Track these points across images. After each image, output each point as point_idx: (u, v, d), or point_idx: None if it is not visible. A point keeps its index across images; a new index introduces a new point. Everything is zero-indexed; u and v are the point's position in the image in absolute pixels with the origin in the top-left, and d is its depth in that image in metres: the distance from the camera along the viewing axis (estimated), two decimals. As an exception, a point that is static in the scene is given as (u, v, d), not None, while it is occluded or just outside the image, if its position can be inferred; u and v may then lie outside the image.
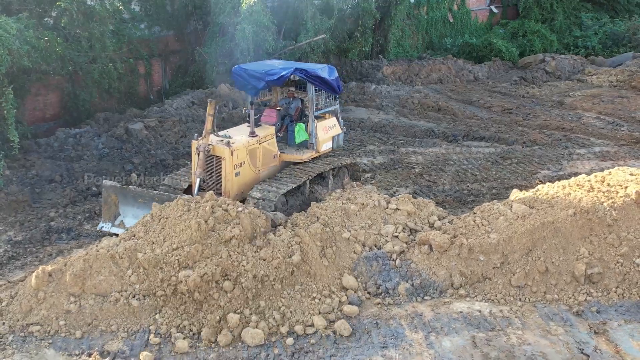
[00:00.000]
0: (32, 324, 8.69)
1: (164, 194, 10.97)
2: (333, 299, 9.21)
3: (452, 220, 10.82)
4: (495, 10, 37.08)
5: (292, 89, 13.13)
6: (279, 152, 12.31)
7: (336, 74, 12.92)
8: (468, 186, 14.46)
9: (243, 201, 11.13)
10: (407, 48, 30.61)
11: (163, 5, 20.99)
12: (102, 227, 11.48)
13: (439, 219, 10.92)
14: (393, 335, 8.49)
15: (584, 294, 9.19)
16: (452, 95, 23.95)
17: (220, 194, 11.15)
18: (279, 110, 12.90)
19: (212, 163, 11.24)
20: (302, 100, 13.08)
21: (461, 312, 8.96)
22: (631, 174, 10.64)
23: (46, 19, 16.19)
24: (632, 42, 31.97)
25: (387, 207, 10.96)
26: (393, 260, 9.97)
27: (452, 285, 9.59)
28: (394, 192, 13.62)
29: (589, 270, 9.31)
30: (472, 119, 20.58)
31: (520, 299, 9.23)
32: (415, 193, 13.68)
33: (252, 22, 18.55)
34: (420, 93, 23.55)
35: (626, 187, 10.11)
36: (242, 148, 11.40)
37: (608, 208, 9.77)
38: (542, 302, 9.15)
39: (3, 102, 12.94)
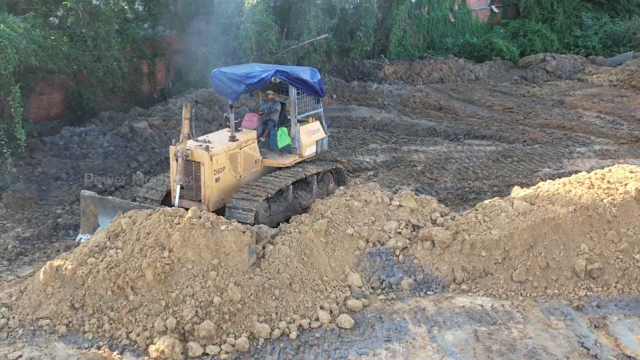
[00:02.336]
0: (41, 318, 8.83)
1: (144, 205, 10.49)
2: (337, 294, 9.36)
3: (454, 216, 10.98)
4: (495, 10, 37.26)
5: (270, 92, 12.68)
6: (260, 157, 11.92)
7: (319, 77, 12.55)
8: (469, 184, 14.60)
9: (223, 208, 10.84)
10: (408, 47, 30.82)
11: (166, 5, 21.11)
12: (80, 239, 10.83)
13: (441, 216, 11.09)
14: (397, 329, 8.63)
15: (584, 289, 9.32)
16: (454, 95, 24.17)
17: (200, 201, 10.83)
18: (261, 114, 12.49)
19: (191, 169, 10.75)
20: (283, 104, 12.67)
21: (463, 306, 9.11)
22: (631, 172, 10.80)
23: (51, 18, 16.33)
24: (632, 42, 32.20)
25: (390, 204, 11.15)
26: (396, 256, 10.15)
27: (454, 281, 9.75)
28: (397, 190, 13.73)
29: (589, 265, 9.45)
30: (473, 118, 20.78)
31: (521, 294, 9.37)
32: (418, 191, 13.80)
33: (255, 21, 18.67)
34: (421, 92, 23.75)
35: (626, 185, 10.27)
36: (222, 153, 10.95)
37: (608, 205, 9.92)
38: (543, 297, 9.28)
39: (10, 101, 13.06)
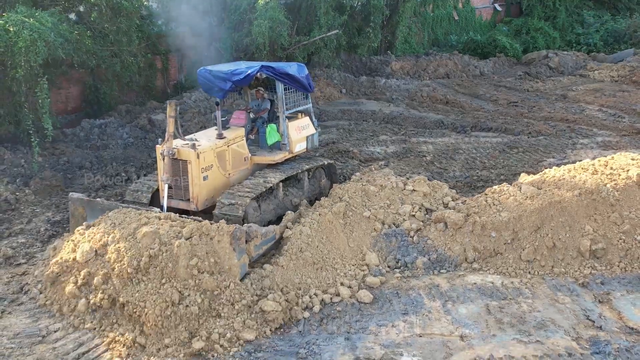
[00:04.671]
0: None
1: (132, 207, 10.13)
2: (356, 271, 9.87)
3: (465, 201, 11.46)
4: (498, 8, 37.75)
5: (261, 88, 12.56)
6: (250, 155, 11.71)
7: (306, 72, 12.37)
8: (477, 173, 14.99)
9: (213, 207, 10.68)
10: (414, 45, 31.35)
11: (179, 2, 21.61)
12: None
13: (453, 200, 11.58)
14: (413, 303, 9.07)
15: (589, 267, 9.72)
16: (459, 89, 24.63)
17: (188, 200, 10.71)
18: (249, 112, 12.35)
19: (178, 167, 10.53)
20: (272, 101, 12.51)
21: (475, 283, 9.53)
22: (632, 159, 11.23)
23: (72, 14, 16.87)
24: (633, 39, 32.53)
25: (404, 189, 11.68)
26: (411, 237, 10.67)
27: (466, 260, 10.22)
28: (408, 178, 14.22)
29: (594, 246, 9.87)
30: (479, 111, 21.21)
31: (529, 272, 9.78)
32: (428, 179, 14.32)
33: (267, 18, 19.19)
34: (428, 87, 24.21)
35: (628, 170, 10.69)
36: (209, 150, 10.74)
37: (611, 189, 10.34)
38: (550, 275, 9.68)
39: (38, 92, 13.58)
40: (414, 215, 11.09)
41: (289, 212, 10.86)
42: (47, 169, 14.33)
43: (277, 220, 11.17)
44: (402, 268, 10.16)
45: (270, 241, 9.91)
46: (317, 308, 8.97)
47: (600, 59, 29.98)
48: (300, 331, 8.52)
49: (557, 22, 35.43)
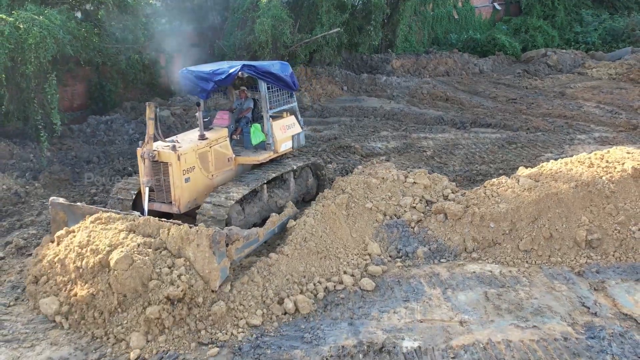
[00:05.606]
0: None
1: (114, 211, 9.84)
2: (359, 261, 10.13)
3: (464, 193, 11.70)
4: (498, 7, 38.01)
5: (244, 88, 12.36)
6: (233, 155, 11.46)
7: (290, 70, 12.09)
8: (477, 167, 15.19)
9: (196, 209, 10.47)
10: (414, 43, 31.63)
11: (183, 0, 21.93)
12: None
13: (452, 192, 11.86)
14: (414, 290, 9.29)
15: (584, 257, 9.93)
16: (459, 87, 24.88)
17: (170, 203, 10.47)
18: (233, 112, 12.15)
19: (159, 170, 10.31)
20: (255, 100, 12.28)
21: (474, 272, 9.75)
22: (628, 152, 11.44)
23: (78, 12, 17.16)
24: (631, 38, 32.78)
25: (405, 181, 11.95)
26: (412, 227, 10.92)
27: (465, 250, 10.44)
28: (409, 172, 14.53)
29: (589, 236, 10.07)
30: (478, 108, 21.43)
31: (527, 262, 9.99)
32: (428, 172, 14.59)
33: (270, 16, 19.48)
34: (428, 84, 24.49)
35: (623, 163, 10.90)
36: (191, 152, 10.47)
37: (607, 181, 10.55)
38: (547, 264, 9.88)
39: (47, 88, 13.88)
40: (414, 207, 11.36)
41: (274, 214, 10.75)
42: (56, 164, 14.63)
43: (262, 222, 10.91)
44: (403, 257, 10.39)
45: (252, 244, 9.78)
46: (321, 295, 9.20)
47: (598, 57, 30.24)
48: (305, 317, 8.73)
49: (556, 21, 35.74)
